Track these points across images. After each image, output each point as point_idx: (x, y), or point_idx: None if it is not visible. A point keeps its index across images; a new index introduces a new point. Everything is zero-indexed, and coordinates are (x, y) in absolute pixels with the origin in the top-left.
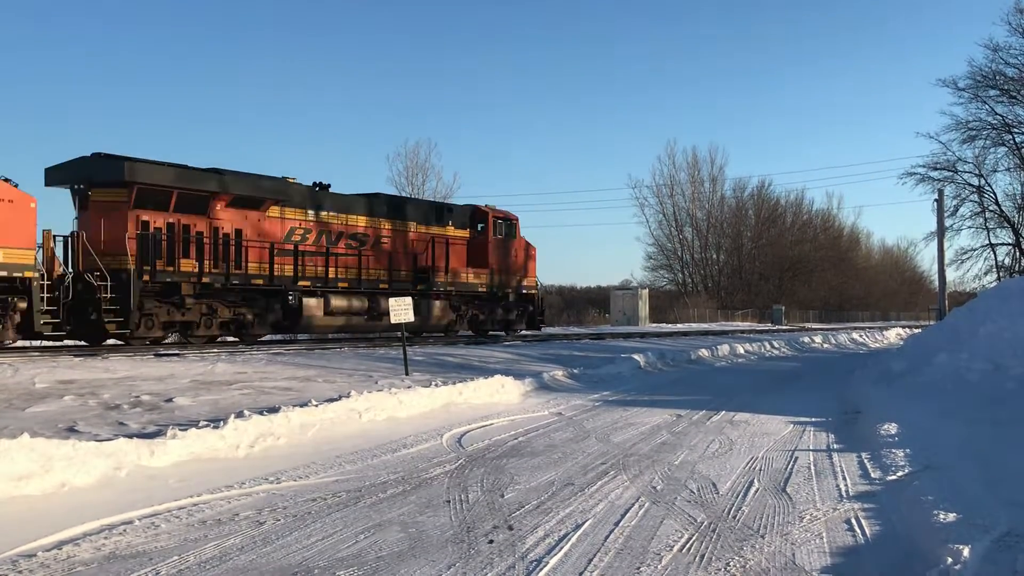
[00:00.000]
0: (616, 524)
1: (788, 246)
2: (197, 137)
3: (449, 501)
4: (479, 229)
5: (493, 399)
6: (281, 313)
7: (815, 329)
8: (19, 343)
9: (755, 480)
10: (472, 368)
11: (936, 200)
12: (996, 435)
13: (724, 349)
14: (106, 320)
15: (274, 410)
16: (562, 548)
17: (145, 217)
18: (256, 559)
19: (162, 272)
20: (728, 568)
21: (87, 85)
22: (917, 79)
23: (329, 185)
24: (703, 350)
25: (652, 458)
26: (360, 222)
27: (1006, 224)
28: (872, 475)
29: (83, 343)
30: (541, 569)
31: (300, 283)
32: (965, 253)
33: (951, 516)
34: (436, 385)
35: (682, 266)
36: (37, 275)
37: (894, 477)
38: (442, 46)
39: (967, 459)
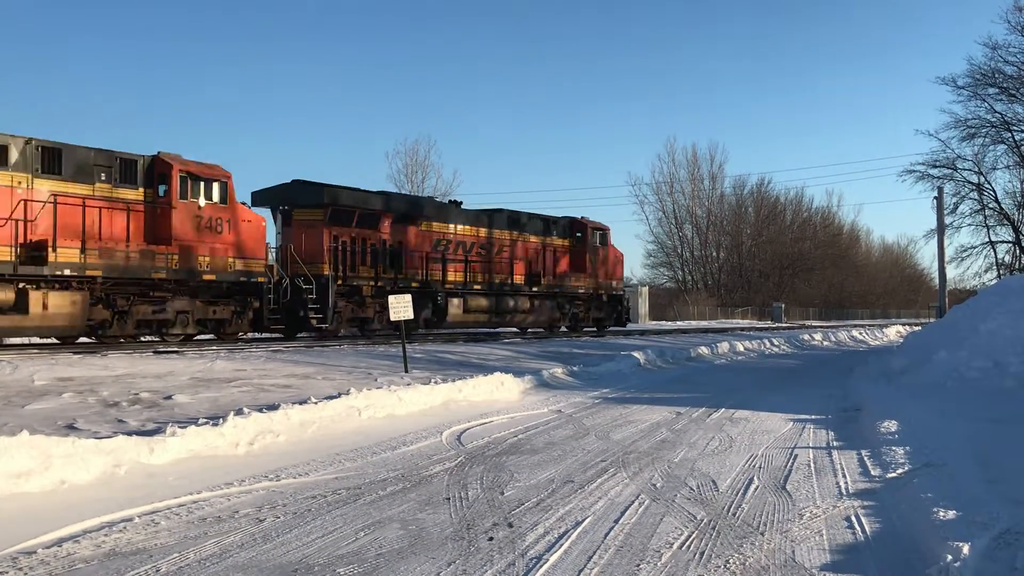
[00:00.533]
0: (616, 521)
1: (788, 244)
2: (196, 134)
3: (449, 498)
4: (578, 238)
5: (493, 396)
6: (431, 311)
7: (815, 327)
8: (18, 341)
9: (755, 477)
10: (472, 366)
11: (936, 198)
12: (996, 433)
13: (724, 347)
14: (311, 316)
15: (274, 408)
16: (562, 545)
17: (335, 232)
18: (256, 556)
19: (349, 277)
20: (728, 565)
21: (84, 73)
22: (916, 77)
23: (461, 202)
24: (703, 348)
25: (652, 455)
26: (484, 233)
27: (1006, 222)
28: (872, 473)
29: (279, 335)
30: (541, 566)
31: (446, 285)
32: (965, 251)
33: (951, 514)
34: (436, 383)
35: (682, 264)
36: (266, 280)
37: (894, 475)
38: (442, 44)
39: (967, 457)
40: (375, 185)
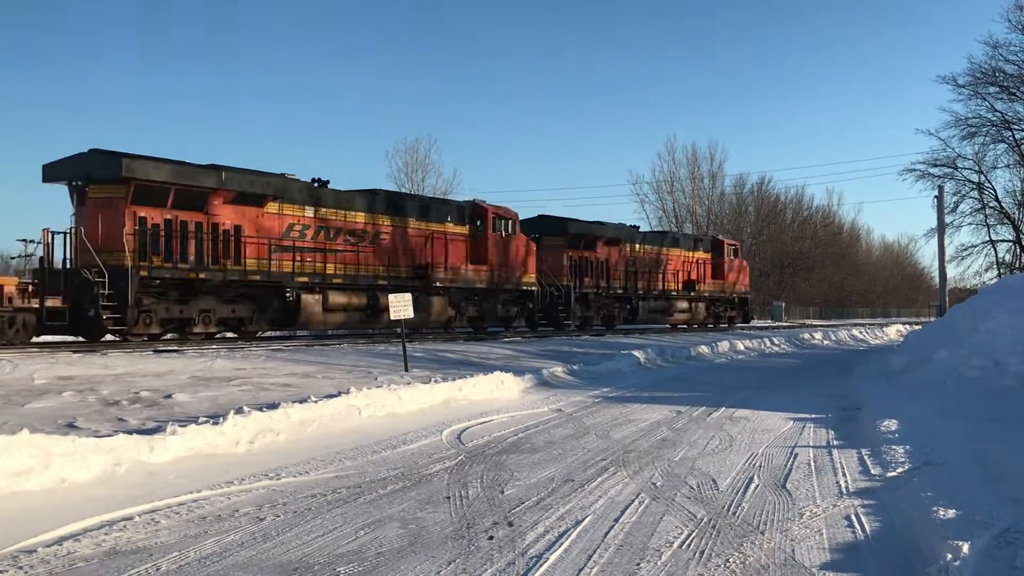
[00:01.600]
0: (616, 520)
1: (788, 242)
2: (195, 133)
3: (449, 497)
4: (715, 254)
5: (493, 395)
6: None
7: (815, 325)
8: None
9: (755, 476)
10: (472, 364)
11: (936, 196)
12: (996, 432)
13: (724, 345)
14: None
15: (273, 406)
16: (562, 544)
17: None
18: (256, 555)
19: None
20: (728, 564)
21: (82, 79)
22: (917, 76)
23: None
24: (703, 346)
25: (652, 454)
26: (652, 250)
27: (1006, 220)
28: (872, 472)
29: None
30: (541, 565)
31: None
32: (965, 249)
33: (951, 513)
34: (436, 381)
35: None
36: (538, 288)
37: (894, 474)
38: (441, 43)
39: (967, 456)
40: (376, 183)
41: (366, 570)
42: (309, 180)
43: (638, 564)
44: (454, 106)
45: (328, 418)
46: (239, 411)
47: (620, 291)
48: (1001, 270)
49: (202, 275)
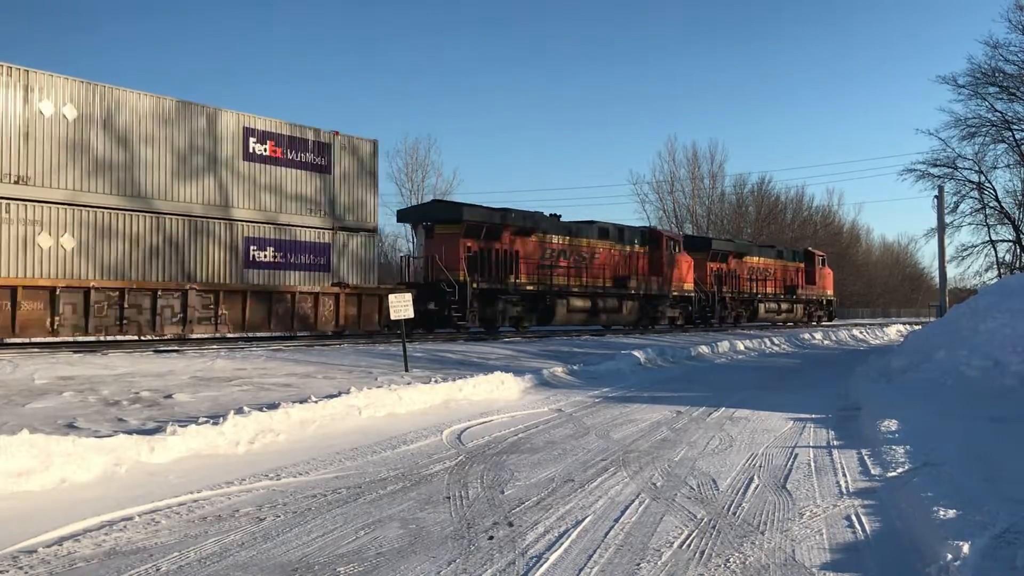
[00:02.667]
0: (616, 520)
1: (788, 243)
2: None
3: (449, 497)
4: (810, 263)
5: (493, 395)
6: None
7: (815, 325)
8: (18, 340)
9: (755, 476)
10: (472, 364)
11: (936, 197)
12: (996, 432)
13: (724, 345)
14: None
15: (274, 406)
16: (562, 544)
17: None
18: (256, 555)
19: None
20: (728, 564)
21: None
22: (917, 76)
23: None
24: (703, 347)
25: (652, 454)
26: (766, 261)
27: (1006, 221)
28: (872, 472)
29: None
30: (541, 565)
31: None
32: (966, 249)
33: (951, 513)
34: (436, 382)
35: None
36: (696, 294)
37: (894, 474)
38: (441, 42)
39: (967, 456)
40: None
41: (366, 570)
42: (549, 214)
43: (638, 564)
44: (454, 106)
45: (328, 418)
46: (239, 411)
47: (746, 295)
48: (1001, 270)
49: (498, 286)
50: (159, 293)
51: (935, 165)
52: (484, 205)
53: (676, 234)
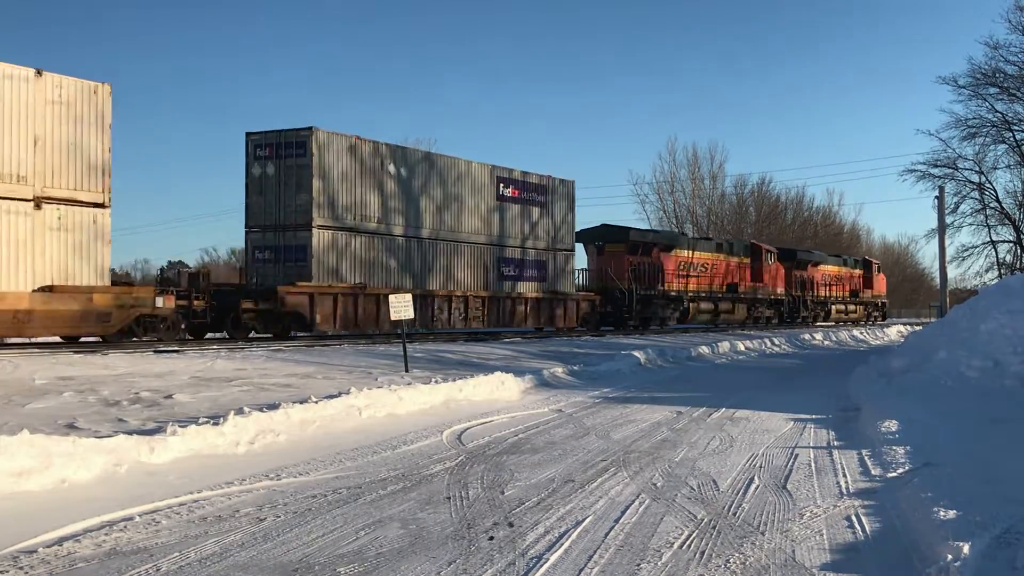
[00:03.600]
0: (616, 521)
1: (789, 243)
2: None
3: (449, 498)
4: (867, 270)
5: (493, 396)
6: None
7: (816, 326)
8: (18, 340)
9: (755, 477)
10: (472, 365)
11: (937, 197)
12: (996, 432)
13: (724, 346)
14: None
15: (274, 407)
16: (562, 545)
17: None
18: (257, 555)
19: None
20: (728, 565)
21: None
22: (917, 76)
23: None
24: (703, 347)
25: (652, 455)
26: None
27: (1007, 221)
28: (872, 472)
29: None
30: (541, 566)
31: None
32: (966, 250)
33: (951, 513)
34: (436, 382)
35: None
36: (787, 299)
37: (894, 474)
38: (441, 42)
39: (967, 456)
40: None
41: (367, 570)
42: (678, 232)
43: (638, 564)
44: (453, 105)
45: (328, 418)
46: (239, 412)
47: (822, 299)
48: (1002, 271)
49: (651, 292)
50: (446, 298)
51: (935, 165)
52: (637, 227)
53: (771, 247)
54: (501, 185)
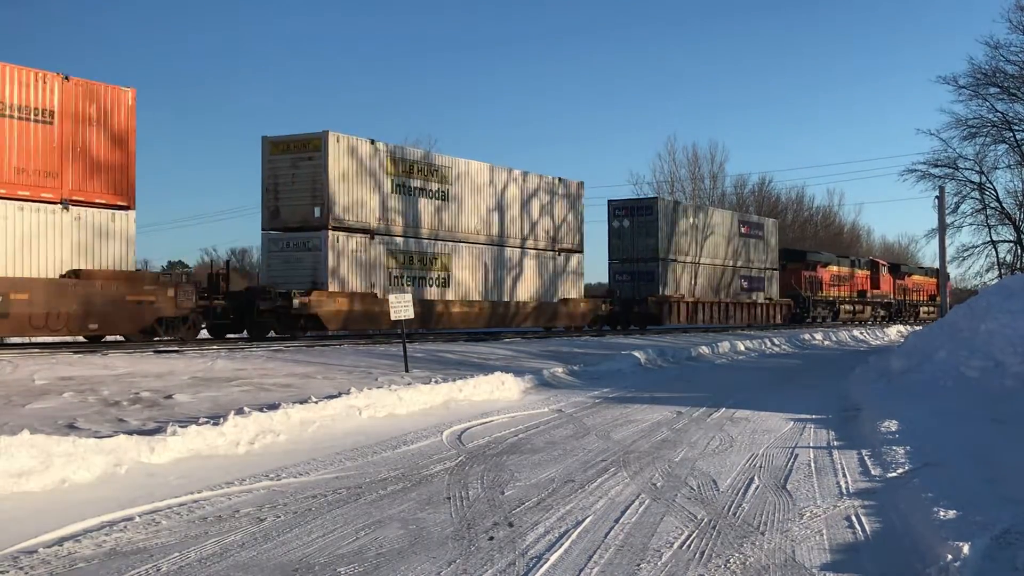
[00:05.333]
0: (616, 521)
1: (789, 243)
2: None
3: (449, 498)
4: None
5: (493, 396)
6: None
7: (816, 326)
8: (19, 340)
9: (755, 477)
10: (472, 365)
11: (937, 197)
12: (996, 432)
13: (724, 346)
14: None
15: (274, 407)
16: (562, 545)
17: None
18: (257, 556)
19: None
20: (728, 565)
21: None
22: (917, 76)
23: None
24: (703, 347)
25: (652, 455)
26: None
27: (1007, 221)
28: (872, 472)
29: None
30: (541, 566)
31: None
32: (966, 250)
33: (951, 513)
34: (436, 382)
35: None
36: (892, 301)
37: (894, 474)
38: (441, 42)
39: (967, 456)
40: None
41: (367, 571)
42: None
43: (639, 564)
44: (454, 105)
45: (329, 419)
46: (239, 412)
47: (905, 303)
48: (1002, 270)
49: (816, 297)
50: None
51: (936, 165)
52: (803, 249)
53: (885, 261)
54: (742, 226)
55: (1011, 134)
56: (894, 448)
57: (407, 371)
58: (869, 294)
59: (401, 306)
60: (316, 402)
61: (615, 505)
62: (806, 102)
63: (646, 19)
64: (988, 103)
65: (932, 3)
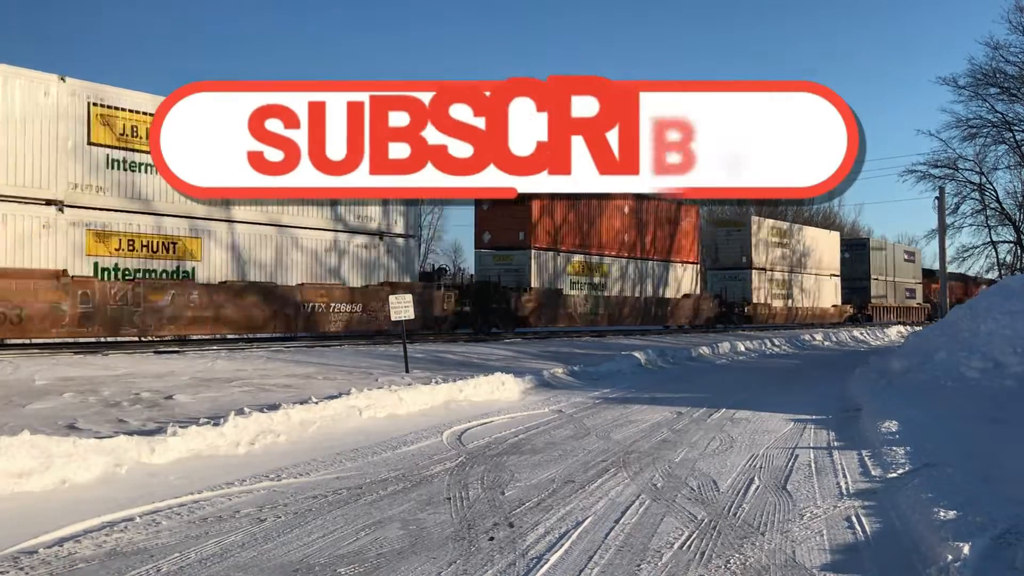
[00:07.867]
0: (616, 521)
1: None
2: None
3: (450, 498)
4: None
5: (493, 396)
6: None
7: (816, 326)
8: (19, 340)
9: (755, 478)
10: (472, 366)
11: (937, 198)
12: (996, 433)
13: (725, 347)
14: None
15: (274, 407)
16: (562, 545)
17: None
18: (257, 556)
19: None
20: (728, 565)
21: None
22: (918, 77)
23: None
24: (704, 347)
25: (652, 455)
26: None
27: (1007, 222)
28: (872, 473)
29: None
30: (541, 566)
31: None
32: (967, 251)
33: (951, 514)
34: (436, 383)
35: None
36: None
37: (894, 475)
38: (441, 42)
39: (967, 457)
40: None
41: (367, 571)
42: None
43: (639, 565)
44: None
45: (329, 419)
46: (240, 412)
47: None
48: (1002, 271)
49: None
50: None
51: (936, 166)
52: (963, 273)
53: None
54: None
55: (1011, 135)
56: (894, 448)
57: (407, 371)
58: None
59: (401, 307)
60: (316, 402)
61: (615, 506)
62: None
63: (646, 18)
64: (988, 104)
65: (932, 3)
